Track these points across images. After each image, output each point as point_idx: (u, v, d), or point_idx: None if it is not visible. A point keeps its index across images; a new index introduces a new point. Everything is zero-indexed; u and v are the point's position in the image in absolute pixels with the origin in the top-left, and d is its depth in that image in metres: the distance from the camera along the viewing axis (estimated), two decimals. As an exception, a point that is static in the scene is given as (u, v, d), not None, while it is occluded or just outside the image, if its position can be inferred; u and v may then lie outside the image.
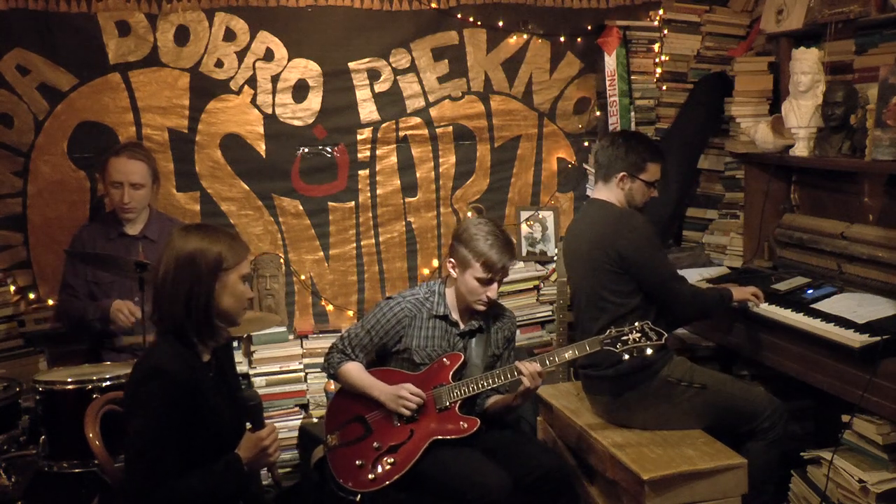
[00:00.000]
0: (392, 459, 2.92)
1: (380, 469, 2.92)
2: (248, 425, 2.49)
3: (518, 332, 4.20)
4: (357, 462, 2.96)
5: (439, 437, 2.93)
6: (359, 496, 2.95)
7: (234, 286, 2.35)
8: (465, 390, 2.96)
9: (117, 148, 3.67)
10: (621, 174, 3.21)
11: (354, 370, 3.07)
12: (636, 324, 2.82)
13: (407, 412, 2.95)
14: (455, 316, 3.11)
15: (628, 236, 3.10)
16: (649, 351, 2.80)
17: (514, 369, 2.90)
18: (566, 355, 2.93)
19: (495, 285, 3.03)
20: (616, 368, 3.10)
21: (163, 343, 2.33)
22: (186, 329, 2.31)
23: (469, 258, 2.99)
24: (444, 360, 3.05)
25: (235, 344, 3.91)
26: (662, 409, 3.11)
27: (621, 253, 3.08)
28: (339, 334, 3.21)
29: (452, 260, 3.07)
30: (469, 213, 4.39)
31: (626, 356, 2.81)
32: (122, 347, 3.56)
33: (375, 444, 2.97)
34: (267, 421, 3.78)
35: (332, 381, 3.30)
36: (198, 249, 2.30)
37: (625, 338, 2.81)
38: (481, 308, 3.06)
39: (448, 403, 2.97)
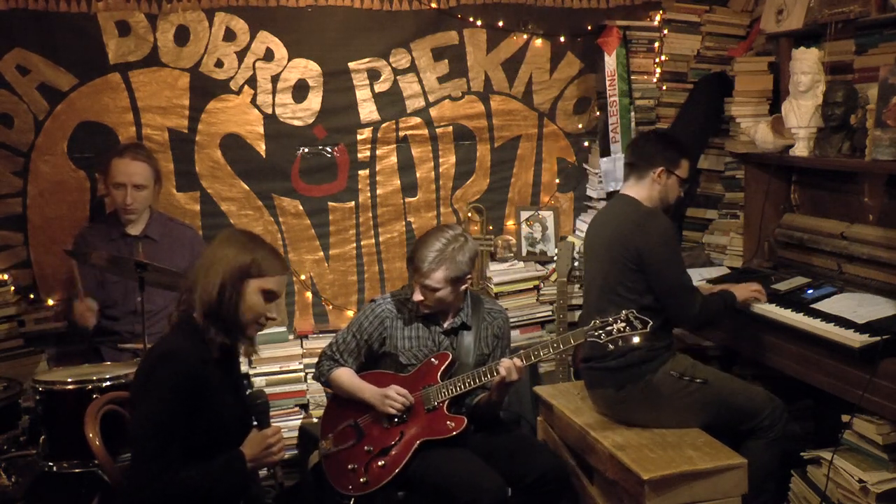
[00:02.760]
0: (383, 462, 2.93)
1: (372, 472, 2.93)
2: (254, 424, 2.49)
3: (518, 332, 4.22)
4: (350, 466, 2.97)
5: (427, 438, 2.93)
6: (352, 500, 2.96)
7: (249, 295, 2.36)
8: (451, 390, 2.96)
9: (120, 148, 3.67)
10: (660, 169, 3.22)
11: (345, 375, 3.08)
12: (621, 313, 2.79)
13: (394, 411, 2.96)
14: (436, 315, 3.11)
15: (651, 236, 3.10)
16: (636, 339, 2.77)
17: (497, 366, 2.90)
18: (551, 348, 2.93)
19: (419, 288, 3.02)
20: (619, 361, 3.10)
21: (176, 332, 2.35)
22: (211, 320, 2.32)
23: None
24: (433, 360, 3.05)
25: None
26: (664, 403, 3.12)
27: (640, 251, 3.08)
28: (329, 342, 3.21)
29: None
30: (469, 214, 4.39)
31: (611, 346, 2.79)
32: (122, 348, 3.57)
33: (367, 448, 2.98)
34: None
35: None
36: (234, 253, 2.35)
37: (609, 328, 2.79)
38: (422, 311, 3.08)
39: (436, 403, 2.97)
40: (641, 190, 3.25)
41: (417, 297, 3.03)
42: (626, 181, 3.35)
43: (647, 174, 3.24)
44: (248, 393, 3.42)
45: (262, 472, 3.36)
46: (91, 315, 3.49)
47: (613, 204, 3.39)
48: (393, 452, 2.94)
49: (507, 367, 2.87)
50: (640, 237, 3.10)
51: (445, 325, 3.12)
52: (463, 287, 3.07)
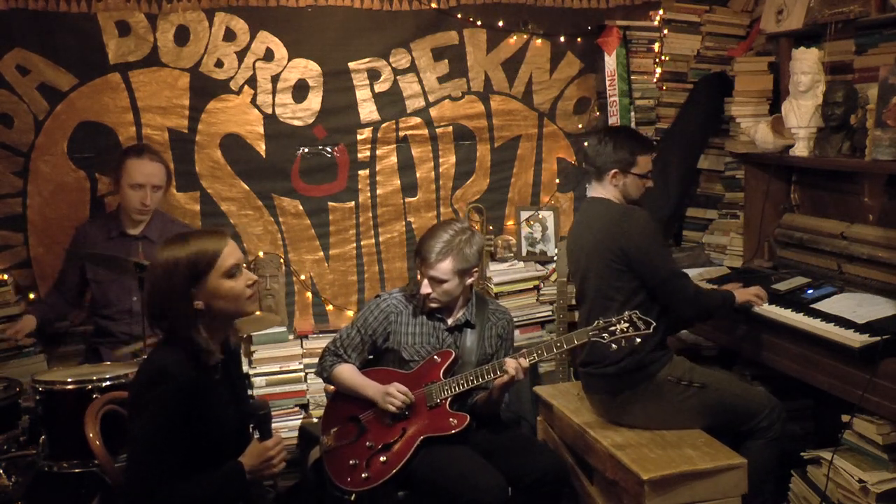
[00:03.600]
0: (384, 458, 2.93)
1: (373, 468, 2.93)
2: (256, 434, 2.47)
3: (518, 332, 4.22)
4: (351, 462, 2.97)
5: (429, 434, 2.93)
6: (353, 496, 2.96)
7: (218, 288, 2.27)
8: (454, 387, 2.96)
9: (136, 149, 3.68)
10: (612, 171, 3.21)
11: (347, 371, 3.08)
12: (625, 313, 2.80)
13: (394, 409, 2.96)
14: (441, 312, 3.12)
15: (631, 233, 3.09)
16: (638, 340, 2.77)
17: (502, 364, 2.90)
18: (555, 348, 2.92)
19: (426, 281, 3.03)
20: (617, 367, 3.10)
21: (169, 343, 2.31)
22: (177, 338, 2.28)
23: None
24: (436, 357, 3.05)
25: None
26: (662, 408, 3.11)
27: (625, 249, 3.08)
28: (333, 338, 3.20)
29: None
30: (469, 213, 4.39)
31: (615, 346, 2.79)
32: (122, 348, 3.57)
33: (369, 444, 2.98)
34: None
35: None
36: (169, 269, 2.25)
37: (612, 328, 2.79)
38: (428, 304, 3.07)
39: (438, 401, 2.97)
40: (606, 191, 3.25)
41: (425, 289, 3.03)
42: (590, 183, 3.35)
43: (603, 176, 3.24)
44: (249, 393, 3.41)
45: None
46: (23, 332, 3.58)
47: (588, 209, 3.37)
48: (394, 449, 2.94)
49: (515, 366, 2.86)
50: (621, 237, 3.09)
51: (450, 322, 3.12)
52: (469, 280, 3.08)
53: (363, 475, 2.93)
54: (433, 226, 3.14)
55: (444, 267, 2.99)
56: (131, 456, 2.24)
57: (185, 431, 2.22)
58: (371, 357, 3.18)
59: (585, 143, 4.44)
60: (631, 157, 3.21)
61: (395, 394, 2.96)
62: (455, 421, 2.94)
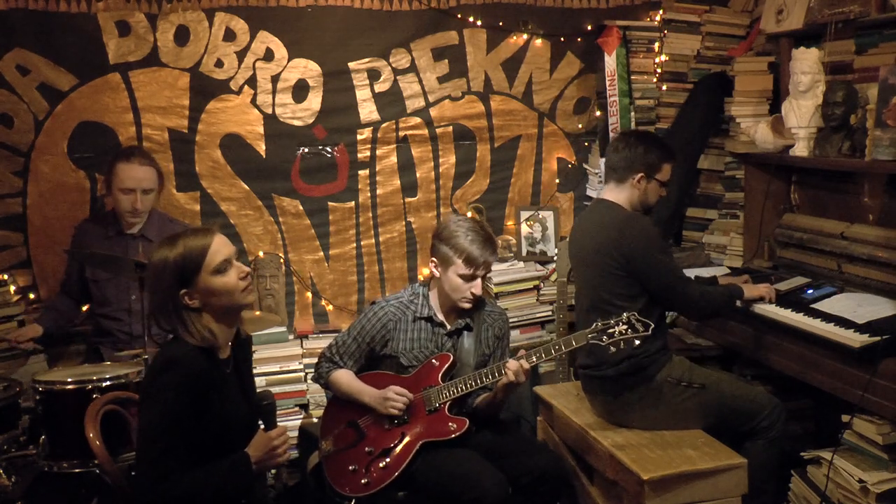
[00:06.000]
0: (384, 463, 2.92)
1: (372, 473, 2.92)
2: (261, 425, 2.48)
3: (517, 331, 4.22)
4: (350, 467, 2.96)
5: (428, 439, 2.92)
6: (353, 501, 2.95)
7: (210, 285, 2.30)
8: (453, 391, 2.95)
9: (125, 153, 3.67)
10: (639, 175, 3.18)
11: (344, 377, 3.07)
12: (623, 315, 2.78)
13: (395, 412, 2.95)
14: (440, 316, 3.10)
15: (634, 240, 3.08)
16: (637, 342, 2.77)
17: (501, 367, 2.89)
18: (553, 350, 2.91)
19: (479, 281, 3.01)
20: (616, 369, 3.09)
21: (179, 339, 2.33)
22: (179, 334, 2.31)
23: (450, 255, 2.99)
24: (433, 361, 3.04)
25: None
26: (662, 409, 3.11)
27: (627, 256, 3.07)
28: (328, 343, 3.19)
29: (434, 259, 3.06)
30: (469, 213, 4.38)
31: (613, 349, 2.77)
32: (122, 348, 3.57)
33: (368, 449, 2.97)
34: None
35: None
36: (156, 269, 2.30)
37: (611, 330, 2.77)
38: (467, 305, 3.04)
39: (437, 405, 2.96)
40: (621, 194, 3.21)
41: (477, 290, 3.01)
42: (606, 184, 3.30)
43: (626, 179, 3.20)
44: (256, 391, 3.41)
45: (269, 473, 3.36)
46: (26, 336, 3.60)
47: (593, 211, 3.35)
48: (394, 454, 2.93)
49: (515, 369, 2.85)
50: (623, 244, 3.08)
51: (451, 327, 3.11)
52: None
53: (363, 481, 2.92)
54: (449, 231, 3.01)
55: (493, 259, 3.04)
56: (140, 444, 2.26)
57: (193, 421, 2.23)
58: (365, 363, 3.16)
59: (587, 142, 4.47)
60: (658, 162, 3.19)
61: (394, 398, 2.95)
62: (454, 425, 2.93)
